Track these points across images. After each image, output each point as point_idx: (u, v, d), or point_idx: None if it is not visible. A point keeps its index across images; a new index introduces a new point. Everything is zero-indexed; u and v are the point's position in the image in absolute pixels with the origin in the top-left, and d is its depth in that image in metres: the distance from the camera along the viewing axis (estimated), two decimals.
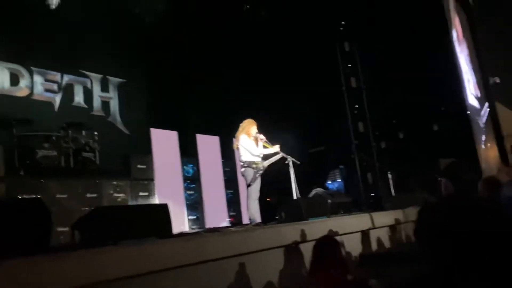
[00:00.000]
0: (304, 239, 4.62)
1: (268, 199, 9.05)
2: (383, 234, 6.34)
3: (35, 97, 7.67)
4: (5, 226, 2.93)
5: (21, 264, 2.50)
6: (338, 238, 4.49)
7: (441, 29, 11.03)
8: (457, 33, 12.44)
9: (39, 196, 5.36)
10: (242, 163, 6.32)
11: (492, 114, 13.68)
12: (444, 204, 2.82)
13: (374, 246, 6.00)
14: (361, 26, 10.87)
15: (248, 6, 10.52)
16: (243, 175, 6.33)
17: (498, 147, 13.00)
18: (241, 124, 6.50)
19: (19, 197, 5.91)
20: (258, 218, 6.27)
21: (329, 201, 7.16)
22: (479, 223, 2.56)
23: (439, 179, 6.06)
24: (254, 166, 6.19)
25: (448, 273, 2.55)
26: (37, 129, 6.91)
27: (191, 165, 9.23)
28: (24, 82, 7.54)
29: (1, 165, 5.98)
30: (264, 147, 6.41)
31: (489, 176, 4.08)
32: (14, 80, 7.45)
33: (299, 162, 6.45)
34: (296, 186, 6.39)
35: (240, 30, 9.90)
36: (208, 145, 9.63)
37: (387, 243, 6.34)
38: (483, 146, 12.00)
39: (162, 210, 3.90)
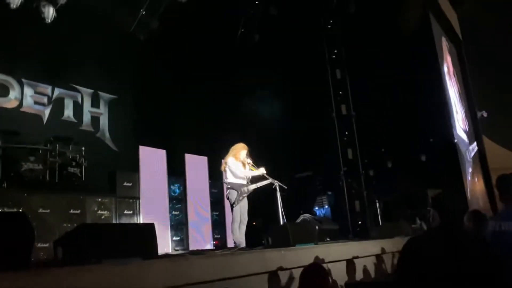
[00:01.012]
0: (290, 266, 4.55)
1: (253, 223, 8.96)
2: (369, 263, 6.29)
3: (24, 109, 7.61)
4: None
5: (2, 279, 2.41)
6: (324, 265, 4.44)
7: (432, 62, 11.29)
8: (447, 68, 12.74)
9: (23, 211, 5.21)
10: (226, 185, 6.30)
11: (480, 148, 13.90)
12: (430, 237, 2.79)
13: (359, 275, 5.94)
14: (353, 54, 11.06)
15: (242, 30, 10.65)
16: (227, 198, 6.31)
17: (485, 181, 13.16)
18: (232, 147, 6.50)
19: (2, 210, 5.77)
20: (243, 243, 6.17)
21: (317, 227, 7.12)
22: (463, 261, 2.52)
23: (429, 209, 6.07)
24: (238, 188, 6.17)
25: None
26: (23, 141, 6.80)
27: (178, 184, 9.12)
28: (13, 94, 7.48)
29: None
30: (251, 170, 6.41)
31: (475, 210, 4.10)
32: (4, 91, 7.40)
33: (285, 187, 6.42)
34: (282, 211, 6.35)
35: (233, 53, 10.00)
36: (196, 165, 9.54)
37: (372, 272, 6.28)
38: (469, 178, 12.14)
39: (148, 230, 3.82)
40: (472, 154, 13.35)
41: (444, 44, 13.12)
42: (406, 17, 10.86)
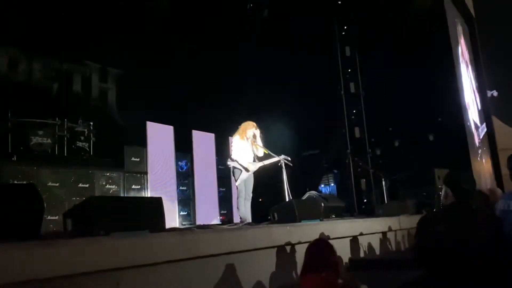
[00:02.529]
0: (296, 241, 4.60)
1: (260, 199, 9.03)
2: (375, 241, 6.34)
3: (33, 83, 7.60)
4: None
5: (12, 249, 2.46)
6: (329, 242, 4.48)
7: (443, 41, 11.10)
8: (461, 50, 12.55)
9: (32, 183, 5.29)
10: (231, 162, 6.33)
11: (489, 128, 13.79)
12: (446, 214, 2.84)
13: (365, 252, 6.00)
14: (363, 32, 10.90)
15: (251, 5, 10.50)
16: (233, 174, 6.36)
17: (493, 162, 13.09)
18: (240, 125, 6.50)
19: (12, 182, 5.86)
20: (249, 218, 6.24)
21: (323, 204, 7.15)
22: (480, 233, 2.59)
23: (439, 187, 6.09)
24: (242, 166, 6.20)
25: (443, 282, 2.57)
26: (33, 115, 6.83)
27: (185, 160, 9.19)
28: (22, 67, 7.47)
29: None
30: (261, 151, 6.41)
31: (486, 189, 4.14)
32: (13, 64, 7.37)
33: (291, 164, 6.43)
34: (288, 188, 6.38)
35: (243, 30, 9.89)
36: (203, 142, 9.59)
37: (378, 250, 6.34)
38: (478, 159, 12.08)
39: (156, 204, 3.86)
40: (482, 135, 13.25)
41: (459, 27, 12.89)
42: None
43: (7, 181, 5.90)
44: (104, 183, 7.21)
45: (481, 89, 14.34)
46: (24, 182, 5.97)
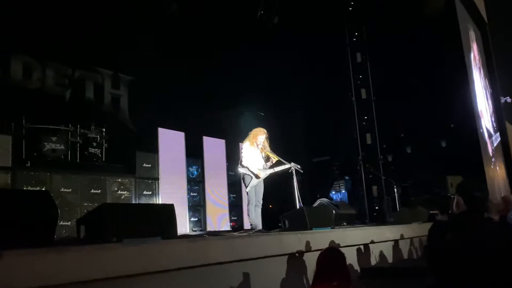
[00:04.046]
0: (307, 249, 4.58)
1: (269, 206, 9.01)
2: (386, 248, 6.28)
3: (46, 90, 7.70)
4: (12, 216, 2.93)
5: (26, 255, 2.48)
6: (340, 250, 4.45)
7: (455, 46, 11.01)
8: (473, 56, 12.45)
9: (46, 189, 5.34)
10: (242, 169, 6.32)
11: (503, 137, 13.62)
12: (457, 222, 2.81)
13: (376, 259, 5.95)
14: (373, 38, 10.87)
15: (262, 12, 10.54)
16: (243, 181, 6.35)
17: (507, 169, 12.91)
18: (250, 132, 6.50)
19: (26, 188, 5.92)
20: (259, 225, 6.22)
21: (334, 211, 7.11)
22: (491, 243, 2.56)
23: (452, 196, 6.02)
24: (252, 173, 6.20)
25: None
26: (46, 122, 6.92)
27: (196, 166, 9.21)
28: (36, 75, 7.58)
29: (8, 156, 5.98)
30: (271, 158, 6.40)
31: (500, 197, 4.09)
32: (27, 72, 7.48)
33: (302, 171, 6.41)
34: (299, 195, 6.35)
35: (254, 36, 9.92)
36: (214, 148, 9.61)
37: (389, 258, 6.28)
38: (491, 166, 11.93)
39: (168, 211, 3.88)
40: (496, 143, 13.09)
41: (471, 32, 12.79)
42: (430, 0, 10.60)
43: (21, 187, 5.97)
44: (116, 189, 7.26)
45: (494, 95, 14.18)
46: (38, 188, 6.04)
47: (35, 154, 6.59)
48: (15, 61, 7.35)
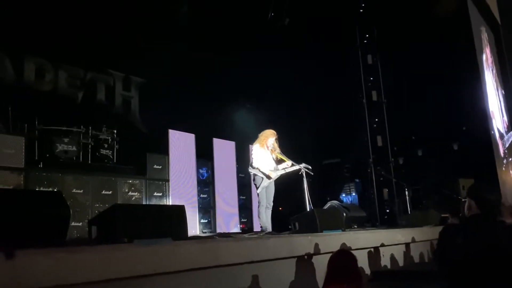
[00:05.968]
0: (317, 252, 4.57)
1: (280, 208, 9.00)
2: (398, 252, 6.24)
3: (59, 91, 7.79)
4: (25, 216, 2.96)
5: (38, 255, 2.51)
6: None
7: (468, 48, 10.90)
8: (486, 56, 12.31)
9: (59, 190, 5.39)
10: (252, 170, 6.32)
11: None
12: (469, 225, 2.78)
13: (387, 263, 5.91)
14: (385, 40, 10.81)
15: (272, 14, 10.54)
16: (253, 182, 6.35)
17: None
18: (260, 134, 6.50)
19: (38, 189, 5.99)
20: (269, 227, 6.21)
21: (344, 214, 7.08)
22: (504, 246, 2.53)
23: (463, 199, 5.97)
24: (263, 174, 6.19)
25: None
26: (58, 123, 6.99)
27: (206, 168, 9.24)
28: (49, 77, 7.66)
29: (21, 157, 6.05)
30: (281, 160, 6.39)
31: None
32: (40, 74, 7.57)
33: (312, 173, 6.39)
34: (309, 197, 6.33)
35: (264, 38, 9.92)
36: (224, 150, 9.63)
37: (401, 261, 6.23)
38: (503, 169, 11.78)
39: (179, 212, 3.89)
40: (508, 144, 12.93)
41: (484, 33, 12.66)
42: (442, 1, 10.52)
43: (34, 187, 6.04)
44: (126, 190, 7.30)
45: (507, 97, 14.03)
46: (50, 189, 6.10)
47: (47, 155, 6.66)
48: (28, 63, 7.44)
